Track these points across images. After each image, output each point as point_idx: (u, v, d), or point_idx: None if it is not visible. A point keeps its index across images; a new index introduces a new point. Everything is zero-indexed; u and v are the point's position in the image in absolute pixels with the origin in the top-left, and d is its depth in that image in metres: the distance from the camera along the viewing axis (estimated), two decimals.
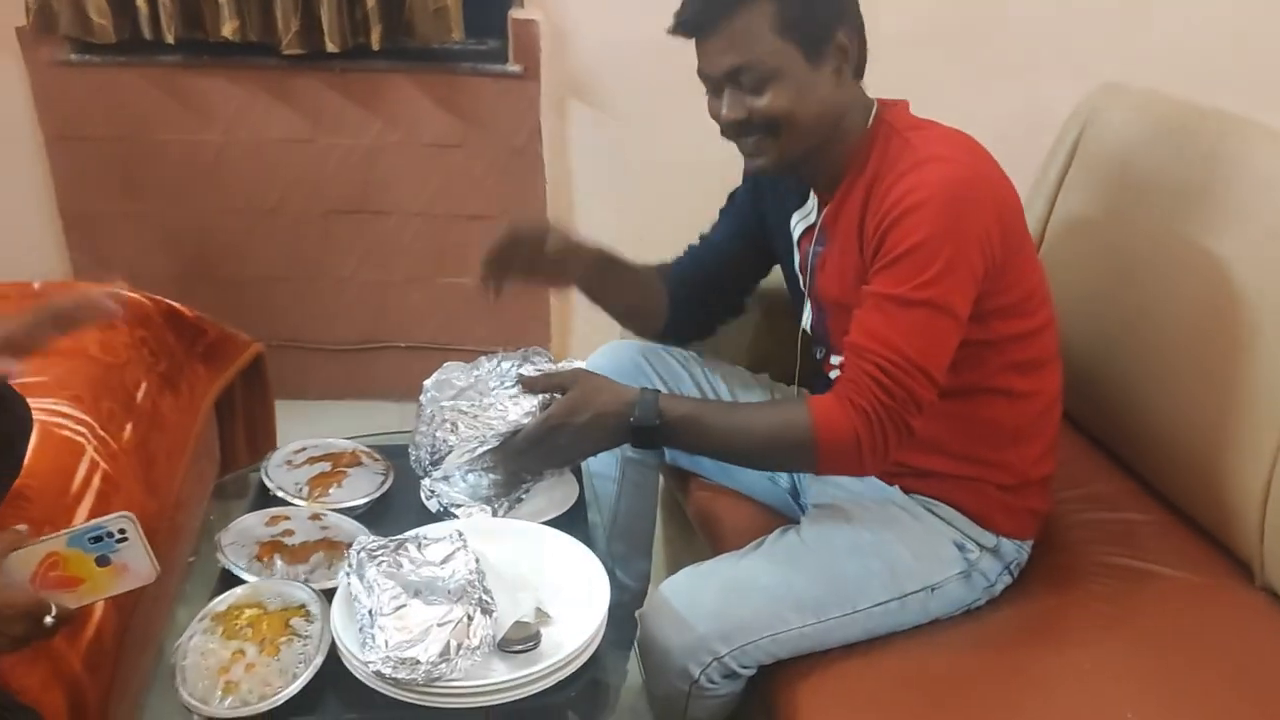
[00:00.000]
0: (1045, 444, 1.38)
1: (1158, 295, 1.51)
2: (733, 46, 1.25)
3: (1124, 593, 1.38)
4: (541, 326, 2.61)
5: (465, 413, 1.33)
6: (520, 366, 1.39)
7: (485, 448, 1.32)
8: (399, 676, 1.05)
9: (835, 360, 1.42)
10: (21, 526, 1.10)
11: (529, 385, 1.33)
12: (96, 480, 1.52)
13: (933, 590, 1.34)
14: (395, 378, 2.68)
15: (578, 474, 1.50)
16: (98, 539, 1.10)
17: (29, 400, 1.54)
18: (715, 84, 1.29)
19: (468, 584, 1.15)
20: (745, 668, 1.29)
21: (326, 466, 1.45)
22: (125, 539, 1.11)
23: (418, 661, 1.06)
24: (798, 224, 1.44)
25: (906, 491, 1.40)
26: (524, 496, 1.41)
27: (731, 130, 1.30)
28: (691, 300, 1.58)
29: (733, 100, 1.28)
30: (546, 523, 1.36)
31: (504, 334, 2.60)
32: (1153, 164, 1.57)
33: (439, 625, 1.09)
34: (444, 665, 1.06)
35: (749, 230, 1.54)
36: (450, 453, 1.33)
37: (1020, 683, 1.25)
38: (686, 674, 1.28)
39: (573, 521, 1.40)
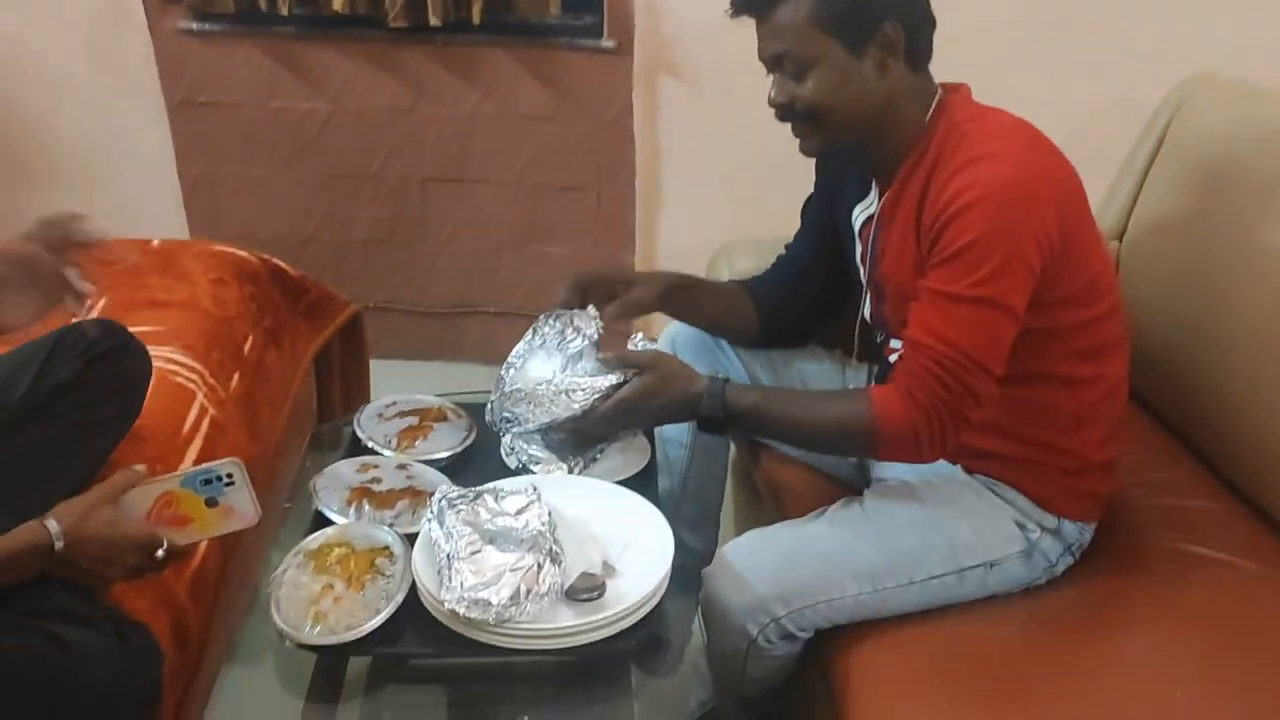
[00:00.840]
0: (1108, 428, 1.40)
1: (1240, 286, 1.51)
2: (776, 33, 1.29)
3: (1185, 578, 1.39)
4: None
5: (542, 390, 1.40)
6: (571, 332, 1.45)
7: (563, 417, 1.39)
8: (472, 616, 1.13)
9: (895, 344, 1.45)
10: (139, 466, 1.22)
11: (608, 363, 1.41)
12: (205, 425, 1.63)
13: (991, 566, 1.37)
14: (484, 342, 2.78)
15: (651, 437, 1.56)
16: (208, 481, 1.20)
17: (147, 348, 1.67)
18: (767, 66, 1.33)
19: (539, 535, 1.23)
20: (802, 630, 1.34)
21: (414, 421, 1.55)
22: (232, 483, 1.21)
23: (489, 603, 1.13)
24: (859, 216, 1.46)
25: (969, 471, 1.43)
26: (598, 457, 1.48)
27: (778, 114, 1.34)
28: (781, 313, 1.62)
29: (779, 85, 1.32)
30: (618, 483, 1.43)
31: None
32: (1240, 157, 1.55)
33: (511, 571, 1.17)
34: (513, 608, 1.14)
35: (827, 237, 1.56)
36: (529, 422, 1.41)
37: (1073, 660, 1.28)
38: (745, 633, 1.33)
39: (643, 483, 1.46)
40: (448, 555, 1.20)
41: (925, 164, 1.31)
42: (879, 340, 1.52)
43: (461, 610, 1.13)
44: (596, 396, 1.37)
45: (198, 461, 1.57)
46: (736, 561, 1.35)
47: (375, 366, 2.36)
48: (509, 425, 1.43)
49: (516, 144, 2.58)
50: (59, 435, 1.31)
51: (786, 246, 1.64)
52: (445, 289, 2.76)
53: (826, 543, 1.36)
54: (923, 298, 1.27)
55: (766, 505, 1.69)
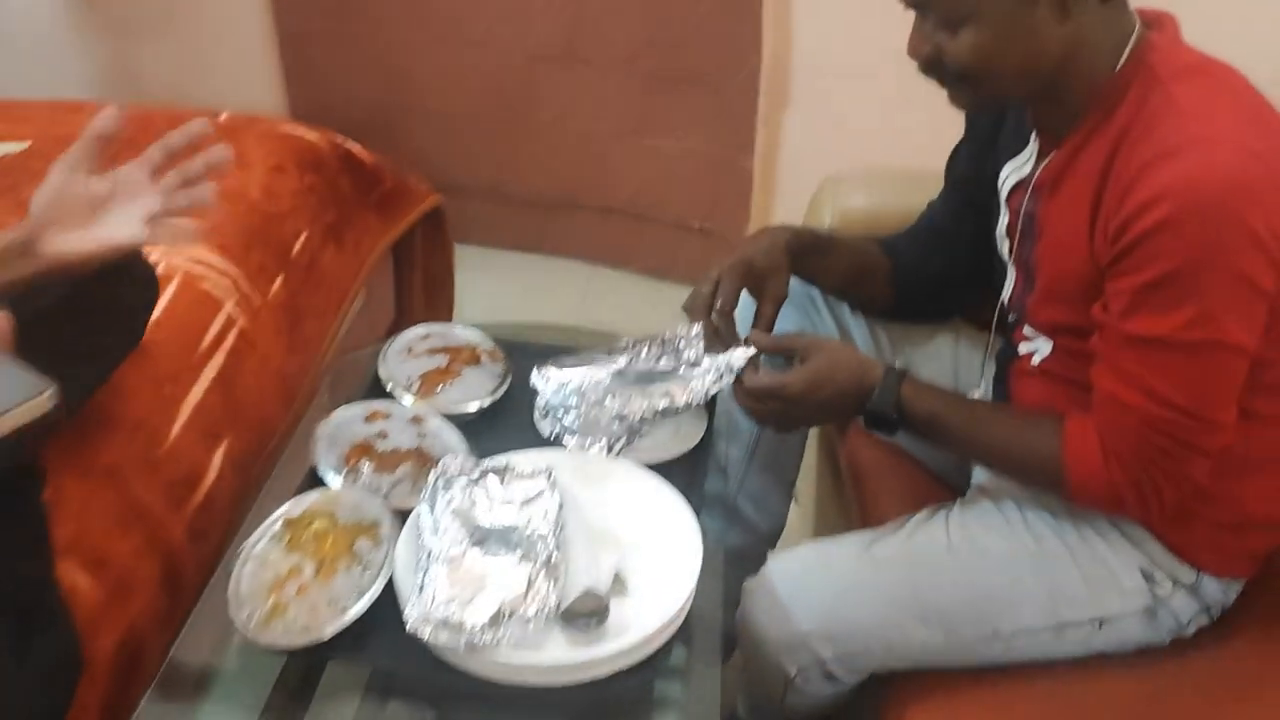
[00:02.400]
0: None
1: None
2: None
3: None
4: (740, 207, 2.39)
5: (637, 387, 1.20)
6: (666, 358, 1.23)
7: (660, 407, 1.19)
8: (437, 640, 0.95)
9: (1029, 333, 1.17)
10: None
11: (759, 343, 1.18)
12: (231, 338, 1.49)
13: (1101, 625, 1.12)
14: (584, 238, 2.57)
15: (711, 403, 1.33)
16: None
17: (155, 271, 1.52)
18: (904, 1, 1.03)
19: (540, 538, 1.03)
20: (851, 674, 1.13)
21: (443, 361, 1.35)
22: None
23: (461, 625, 0.95)
24: (1009, 176, 1.16)
25: None
26: (646, 430, 1.26)
27: (920, 67, 1.05)
28: (921, 283, 1.35)
29: (920, 35, 1.03)
30: (665, 462, 1.22)
31: (701, 209, 2.43)
32: None
33: (494, 585, 0.99)
34: (489, 633, 0.95)
35: (975, 197, 1.27)
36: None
37: None
38: (781, 670, 1.13)
39: (691, 467, 1.24)
40: (429, 554, 1.02)
41: (1111, 129, 1.00)
42: (1010, 320, 1.23)
43: (424, 633, 0.95)
44: (709, 386, 1.17)
45: (217, 382, 1.43)
46: (780, 586, 1.13)
47: (466, 255, 2.19)
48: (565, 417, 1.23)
49: (632, 22, 2.29)
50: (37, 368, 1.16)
51: (930, 205, 1.35)
52: (545, 178, 2.53)
53: (892, 573, 1.12)
54: (1112, 340, 0.99)
55: (845, 488, 1.45)
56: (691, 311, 1.24)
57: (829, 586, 1.12)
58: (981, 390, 1.31)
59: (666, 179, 2.42)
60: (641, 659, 0.99)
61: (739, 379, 1.16)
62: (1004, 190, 1.18)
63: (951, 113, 1.26)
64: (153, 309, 1.31)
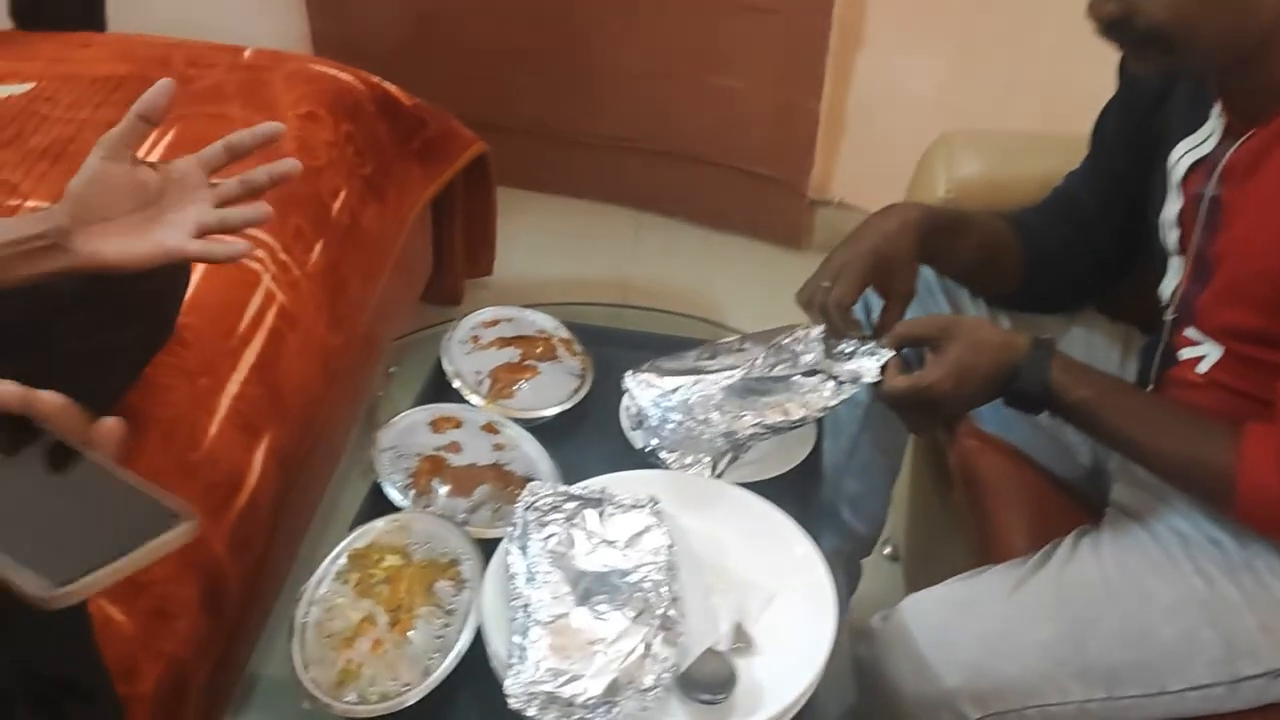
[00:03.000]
0: None
1: None
2: None
3: None
4: (804, 154, 2.20)
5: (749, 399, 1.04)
6: (782, 365, 1.06)
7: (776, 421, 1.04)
8: (545, 718, 0.81)
9: (1194, 335, 1.01)
10: None
11: (889, 337, 1.03)
12: (271, 316, 1.33)
13: (1278, 676, 0.98)
14: (635, 184, 2.38)
15: None
16: None
17: None
18: None
19: (653, 588, 0.89)
20: None
21: (515, 355, 1.20)
22: None
23: (570, 703, 0.81)
24: (1183, 155, 0.99)
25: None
26: (752, 446, 1.10)
27: (1100, 28, 0.87)
28: (1054, 268, 1.17)
29: None
30: (771, 479, 1.07)
31: (762, 154, 2.24)
32: None
33: (605, 651, 0.84)
34: (603, 711, 0.82)
35: (1126, 172, 1.10)
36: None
37: None
38: None
39: (801, 483, 1.10)
40: (524, 608, 0.88)
41: None
42: (1169, 320, 1.07)
43: (529, 710, 0.81)
44: (828, 400, 1.02)
45: (257, 368, 1.27)
46: (919, 633, 0.99)
47: (504, 198, 2.01)
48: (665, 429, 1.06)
49: None
50: (52, 371, 1.00)
51: (1071, 174, 1.18)
52: (592, 117, 2.33)
53: (1049, 626, 0.98)
54: None
55: (956, 494, 1.31)
56: (807, 306, 1.08)
57: (975, 638, 0.98)
58: None
59: (725, 120, 2.23)
60: None
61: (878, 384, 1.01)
62: (1177, 171, 1.01)
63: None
64: (184, 294, 1.15)
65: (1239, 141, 0.93)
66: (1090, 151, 1.16)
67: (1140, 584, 0.99)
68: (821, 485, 1.11)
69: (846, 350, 1.05)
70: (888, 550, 1.59)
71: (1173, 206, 1.03)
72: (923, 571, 1.46)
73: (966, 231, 1.16)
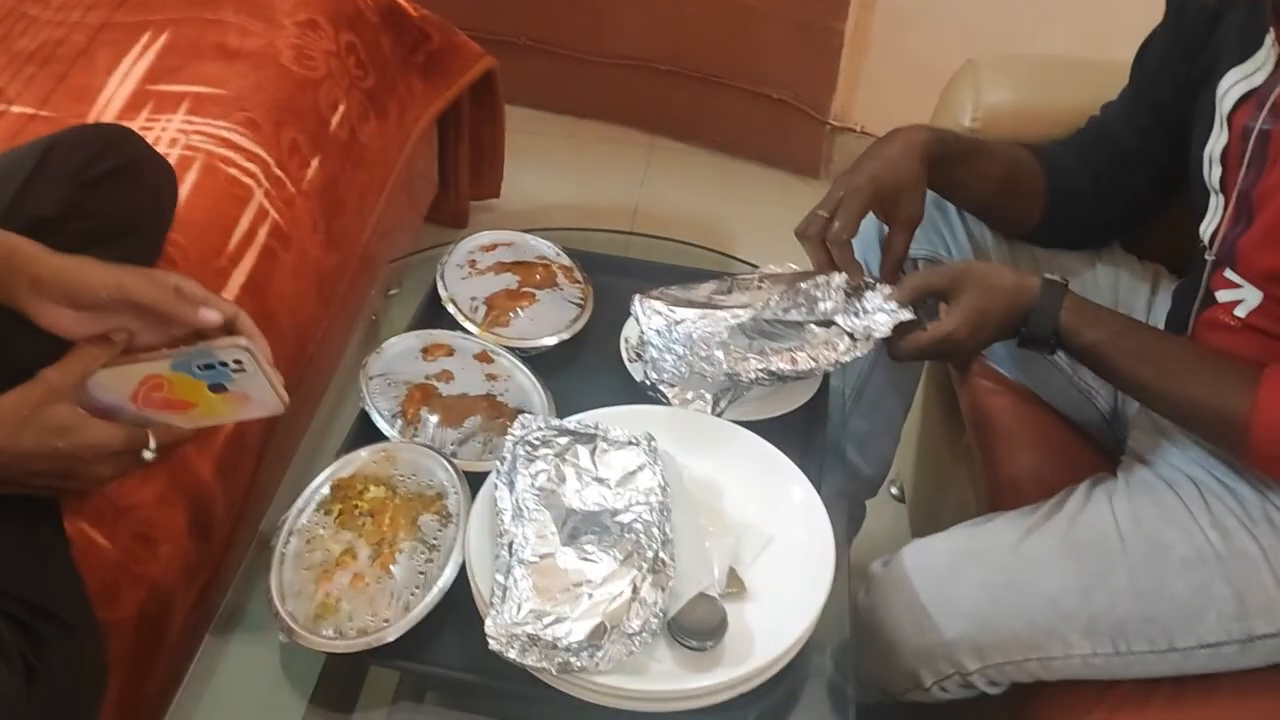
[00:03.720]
0: None
1: None
2: None
3: None
4: (826, 77, 2.12)
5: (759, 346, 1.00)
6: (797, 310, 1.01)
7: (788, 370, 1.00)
8: (525, 661, 0.78)
9: (1233, 278, 0.96)
10: (119, 335, 0.86)
11: (900, 294, 0.98)
12: (263, 234, 1.28)
13: None
14: (648, 105, 2.31)
15: None
16: (208, 366, 0.85)
17: (194, 120, 1.30)
18: None
19: (644, 529, 0.86)
20: (995, 685, 0.96)
21: (514, 281, 1.15)
22: (241, 369, 0.86)
23: (553, 645, 0.78)
24: (1233, 86, 0.93)
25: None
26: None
27: None
28: (1082, 202, 1.11)
29: None
30: (777, 418, 1.03)
31: (782, 76, 2.16)
32: None
33: (590, 596, 0.81)
34: (586, 654, 0.79)
35: (1169, 105, 1.03)
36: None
37: None
38: (914, 679, 0.97)
39: (807, 425, 1.06)
40: (509, 547, 0.84)
41: None
42: (1208, 259, 1.01)
43: (509, 652, 0.78)
44: (840, 355, 0.98)
45: (247, 289, 1.23)
46: (920, 584, 0.95)
47: (512, 117, 1.95)
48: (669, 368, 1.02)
49: None
50: None
51: (1107, 105, 1.11)
52: (609, 35, 2.25)
53: (1056, 577, 0.94)
54: None
55: (966, 438, 1.26)
56: (803, 238, 1.02)
57: (979, 589, 0.94)
58: None
59: (743, 39, 2.14)
60: (766, 680, 0.83)
61: (891, 339, 0.97)
62: (1225, 104, 0.94)
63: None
64: (172, 213, 1.11)
65: None
66: (1131, 82, 1.10)
67: (1154, 536, 0.95)
68: (827, 424, 1.06)
69: (865, 306, 1.00)
70: (894, 490, 1.56)
71: (1218, 140, 0.96)
72: (928, 516, 1.43)
73: (982, 160, 1.10)
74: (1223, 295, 0.99)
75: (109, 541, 0.99)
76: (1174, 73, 1.03)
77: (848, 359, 0.97)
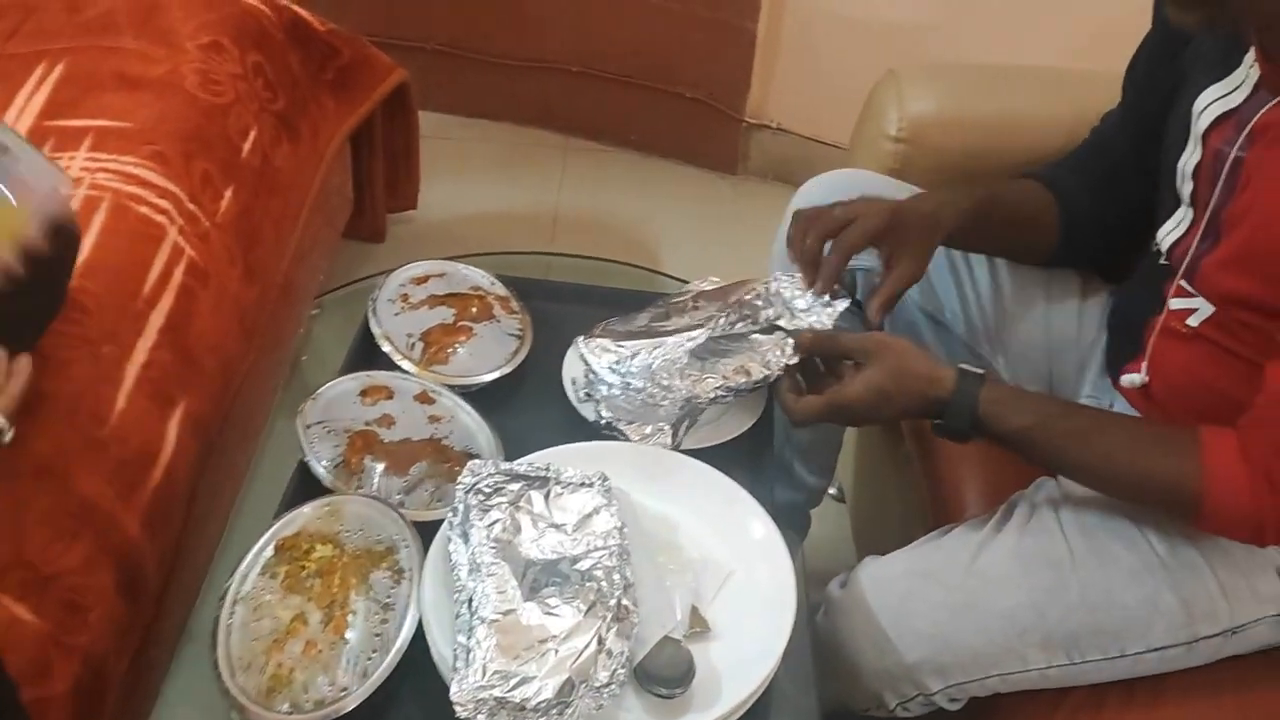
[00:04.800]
0: None
1: None
2: None
3: None
4: (740, 76, 2.11)
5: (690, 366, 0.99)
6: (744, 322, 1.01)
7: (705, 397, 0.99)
8: None
9: (1191, 289, 0.97)
10: None
11: (809, 347, 0.97)
12: (179, 273, 1.23)
13: (1233, 634, 0.97)
14: (562, 107, 2.28)
15: None
16: None
17: (99, 157, 1.24)
18: None
19: (605, 575, 0.84)
20: (955, 700, 0.98)
21: (449, 315, 1.12)
22: (7, 152, 0.83)
23: (521, 707, 0.77)
24: (1209, 105, 0.93)
25: None
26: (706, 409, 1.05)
27: None
28: (1091, 224, 1.11)
29: None
30: (725, 444, 1.03)
31: (696, 76, 2.15)
32: None
33: (555, 651, 0.80)
34: (555, 712, 0.77)
35: (1155, 113, 1.03)
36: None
37: None
38: (878, 700, 0.98)
39: (752, 449, 1.05)
40: (468, 604, 0.82)
41: None
42: (1160, 264, 1.02)
43: (477, 717, 0.76)
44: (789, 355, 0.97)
45: (166, 331, 1.18)
46: (878, 605, 0.96)
47: (432, 122, 1.91)
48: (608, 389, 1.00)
49: None
50: None
51: (1104, 116, 1.12)
52: (522, 38, 2.21)
53: (1011, 595, 0.95)
54: None
55: (905, 447, 1.28)
56: (811, 229, 1.00)
57: (937, 609, 0.95)
58: (1085, 339, 1.13)
59: (655, 39, 2.13)
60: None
61: (781, 385, 0.97)
62: (1201, 122, 0.94)
63: None
64: (75, 256, 1.05)
65: (1274, 101, 0.88)
66: (1125, 96, 1.10)
67: (1102, 549, 0.96)
68: (773, 443, 1.06)
69: (800, 306, 1.00)
70: (833, 490, 1.57)
71: (1191, 156, 0.96)
72: (871, 519, 1.44)
73: (1006, 209, 1.10)
74: (1176, 303, 0.99)
75: (35, 615, 0.94)
76: (1158, 82, 1.03)
77: (795, 360, 0.97)
